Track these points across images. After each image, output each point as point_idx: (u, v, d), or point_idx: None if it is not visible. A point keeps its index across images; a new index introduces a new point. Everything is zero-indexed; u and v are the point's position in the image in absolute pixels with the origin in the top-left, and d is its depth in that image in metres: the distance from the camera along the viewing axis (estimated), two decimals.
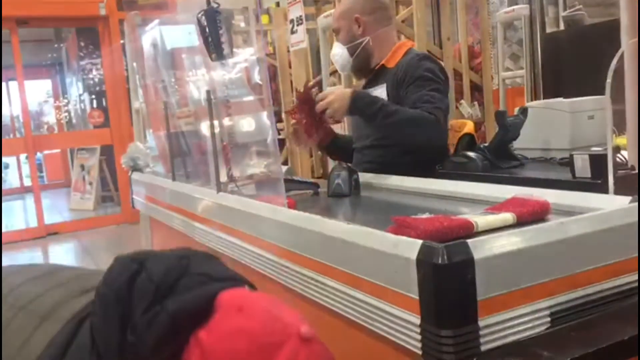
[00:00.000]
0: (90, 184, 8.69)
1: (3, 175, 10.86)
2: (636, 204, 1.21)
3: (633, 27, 1.45)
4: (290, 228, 1.48)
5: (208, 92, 1.98)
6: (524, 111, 2.12)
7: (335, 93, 2.18)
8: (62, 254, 6.64)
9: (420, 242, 1.05)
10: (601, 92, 2.41)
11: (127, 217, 7.38)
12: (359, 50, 2.43)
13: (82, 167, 8.81)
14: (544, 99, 3.86)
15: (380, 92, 2.37)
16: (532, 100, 4.03)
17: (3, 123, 11.38)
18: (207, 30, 1.87)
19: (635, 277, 1.17)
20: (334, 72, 4.06)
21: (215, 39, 1.80)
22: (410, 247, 1.06)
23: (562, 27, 4.75)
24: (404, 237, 1.14)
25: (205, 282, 0.85)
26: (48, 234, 7.16)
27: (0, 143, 7.23)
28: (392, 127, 2.17)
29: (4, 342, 0.95)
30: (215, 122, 2.14)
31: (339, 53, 2.46)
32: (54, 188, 11.68)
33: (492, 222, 1.27)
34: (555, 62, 4.01)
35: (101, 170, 8.72)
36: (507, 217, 1.28)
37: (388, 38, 2.48)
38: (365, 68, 2.49)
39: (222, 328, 0.79)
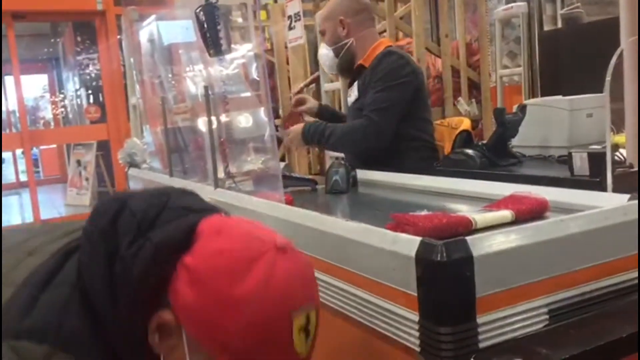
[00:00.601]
0: (87, 179, 8.66)
1: None
2: (635, 201, 1.21)
3: (632, 25, 1.45)
4: (288, 224, 1.47)
5: (206, 87, 1.97)
6: (522, 109, 2.12)
7: (294, 131, 2.45)
8: None
9: (419, 239, 1.05)
10: (599, 90, 2.41)
11: None
12: (343, 51, 2.50)
13: (79, 162, 8.79)
14: (541, 96, 3.86)
15: (354, 89, 2.50)
16: (529, 98, 4.03)
17: None
18: (205, 26, 1.86)
19: (633, 275, 1.18)
20: None
21: (213, 34, 1.80)
22: (409, 244, 1.06)
23: (560, 25, 4.76)
24: (403, 234, 1.13)
25: (185, 215, 0.91)
26: None
27: (0, 139, 7.19)
28: (333, 148, 2.55)
29: None
30: (213, 118, 2.13)
31: (325, 54, 2.56)
32: (50, 183, 11.64)
33: (491, 219, 1.27)
34: (553, 60, 4.01)
35: (97, 166, 8.70)
36: (506, 214, 1.28)
37: (370, 38, 2.53)
38: (350, 68, 2.56)
39: (205, 251, 0.86)
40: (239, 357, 0.84)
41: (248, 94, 2.81)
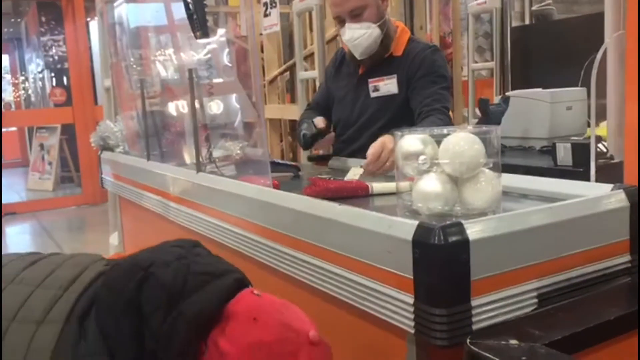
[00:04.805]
0: (50, 163, 8.48)
1: None
2: (619, 191, 1.25)
3: (616, 20, 1.49)
4: (277, 209, 1.47)
5: (190, 70, 1.95)
6: (506, 100, 2.16)
7: (384, 144, 1.79)
8: (20, 234, 6.48)
9: (416, 222, 1.07)
10: (570, 84, 2.48)
11: (88, 199, 7.25)
12: (385, 29, 2.19)
13: (42, 146, 8.59)
14: (512, 90, 3.93)
15: (391, 83, 2.23)
16: (500, 92, 4.10)
17: None
18: (191, 7, 1.84)
19: (617, 261, 1.22)
20: (307, 57, 4.04)
21: (201, 16, 1.77)
22: (406, 227, 1.08)
23: (527, 21, 4.84)
24: (399, 218, 1.16)
25: (209, 281, 0.95)
26: (5, 214, 6.97)
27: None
28: None
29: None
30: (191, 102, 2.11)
31: (366, 33, 2.14)
32: (10, 167, 11.36)
33: (387, 187, 1.53)
34: (523, 55, 4.08)
35: (61, 150, 8.51)
36: (405, 183, 1.30)
37: (390, 20, 2.27)
38: (381, 52, 2.23)
39: (243, 340, 0.90)
40: None
41: (227, 79, 2.79)
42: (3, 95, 14.16)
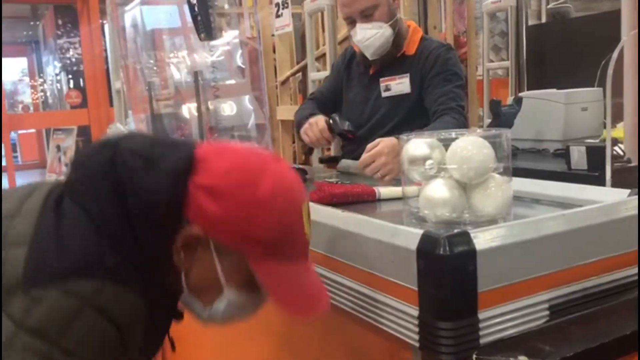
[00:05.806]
0: (66, 165, 8.53)
1: None
2: (636, 197, 1.20)
3: (633, 18, 1.43)
4: None
5: (195, 73, 1.92)
6: (518, 101, 2.09)
7: (386, 147, 1.74)
8: None
9: (421, 231, 1.02)
10: (586, 84, 2.41)
11: None
12: (397, 29, 2.14)
13: (58, 147, 8.64)
14: (527, 90, 3.86)
15: (404, 82, 2.18)
16: (516, 91, 4.03)
17: None
18: (196, 9, 1.81)
19: (634, 271, 1.16)
20: (319, 58, 4.00)
21: (204, 18, 1.74)
22: (410, 236, 1.03)
23: (544, 19, 4.76)
24: (402, 227, 1.11)
25: (175, 145, 1.02)
26: None
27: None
28: None
29: None
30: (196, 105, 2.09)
31: (378, 33, 2.10)
32: (29, 169, 11.46)
33: (394, 192, 1.49)
34: (540, 54, 4.01)
35: (77, 152, 8.57)
36: (413, 188, 1.26)
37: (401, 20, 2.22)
38: (393, 52, 2.18)
39: (218, 170, 0.97)
40: (271, 248, 0.97)
41: (234, 81, 2.76)
42: (22, 98, 14.32)
